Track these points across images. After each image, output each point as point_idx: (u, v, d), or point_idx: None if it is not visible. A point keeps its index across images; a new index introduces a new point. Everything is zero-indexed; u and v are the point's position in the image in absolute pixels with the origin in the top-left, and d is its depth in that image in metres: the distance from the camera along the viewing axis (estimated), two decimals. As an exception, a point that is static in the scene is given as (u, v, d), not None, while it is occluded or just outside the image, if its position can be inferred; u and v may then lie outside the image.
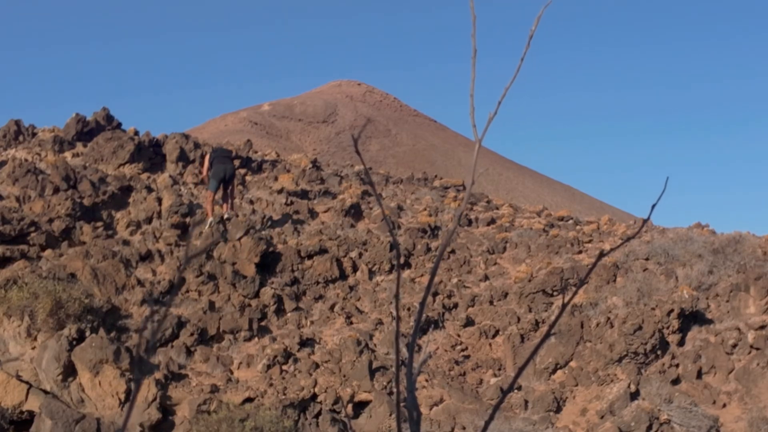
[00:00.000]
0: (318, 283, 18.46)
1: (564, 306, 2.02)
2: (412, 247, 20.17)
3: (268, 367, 15.67)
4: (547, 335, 2.06)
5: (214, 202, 18.85)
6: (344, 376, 15.61)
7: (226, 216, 18.74)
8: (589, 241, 21.79)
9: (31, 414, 14.24)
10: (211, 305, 16.92)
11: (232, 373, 15.64)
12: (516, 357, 17.05)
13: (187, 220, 18.99)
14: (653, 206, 2.11)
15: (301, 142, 65.08)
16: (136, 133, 22.68)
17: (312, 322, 17.46)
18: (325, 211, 21.49)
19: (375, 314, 17.90)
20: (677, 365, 16.57)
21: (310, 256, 18.79)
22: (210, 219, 18.50)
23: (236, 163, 19.38)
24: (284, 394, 14.93)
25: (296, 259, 18.55)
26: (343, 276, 18.86)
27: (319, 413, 14.72)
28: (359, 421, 15.16)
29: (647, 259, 19.27)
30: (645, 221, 2.05)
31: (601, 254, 2.10)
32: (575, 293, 1.89)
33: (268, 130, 65.58)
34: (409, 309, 17.86)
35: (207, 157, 19.06)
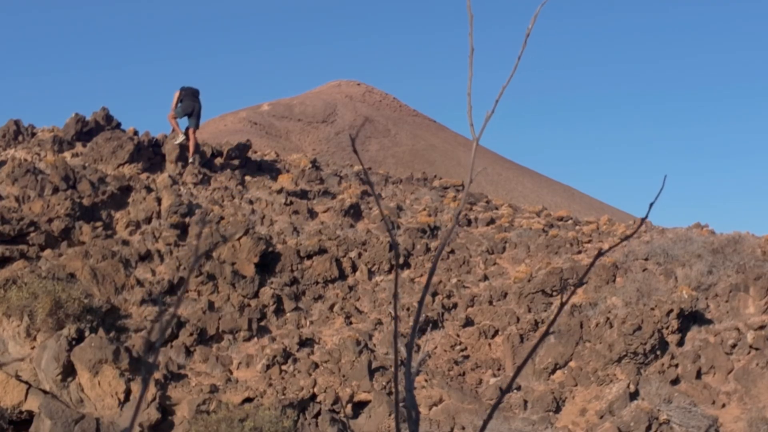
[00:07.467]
0: (317, 283, 18.46)
1: (562, 305, 2.02)
2: (411, 247, 20.17)
3: (268, 367, 15.67)
4: (546, 335, 2.06)
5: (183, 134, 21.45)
6: (343, 376, 15.62)
7: (190, 160, 21.17)
8: (589, 242, 21.79)
9: (31, 414, 14.25)
10: (211, 305, 16.93)
11: (231, 373, 15.65)
12: (515, 357, 17.05)
13: (187, 220, 18.99)
14: (651, 205, 2.11)
15: (301, 142, 65.04)
16: (136, 133, 22.67)
17: (311, 322, 17.47)
18: (325, 211, 21.49)
19: (374, 314, 17.90)
20: (676, 365, 16.57)
21: (309, 256, 18.78)
22: (182, 136, 21.23)
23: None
24: (283, 394, 14.93)
25: (296, 259, 18.55)
26: (343, 276, 18.85)
27: (318, 413, 14.72)
28: (358, 421, 15.17)
29: (647, 260, 19.26)
30: (643, 220, 2.05)
31: (599, 253, 2.10)
32: (573, 292, 1.89)
33: (268, 130, 65.51)
34: (408, 309, 17.87)
35: (177, 94, 21.42)
